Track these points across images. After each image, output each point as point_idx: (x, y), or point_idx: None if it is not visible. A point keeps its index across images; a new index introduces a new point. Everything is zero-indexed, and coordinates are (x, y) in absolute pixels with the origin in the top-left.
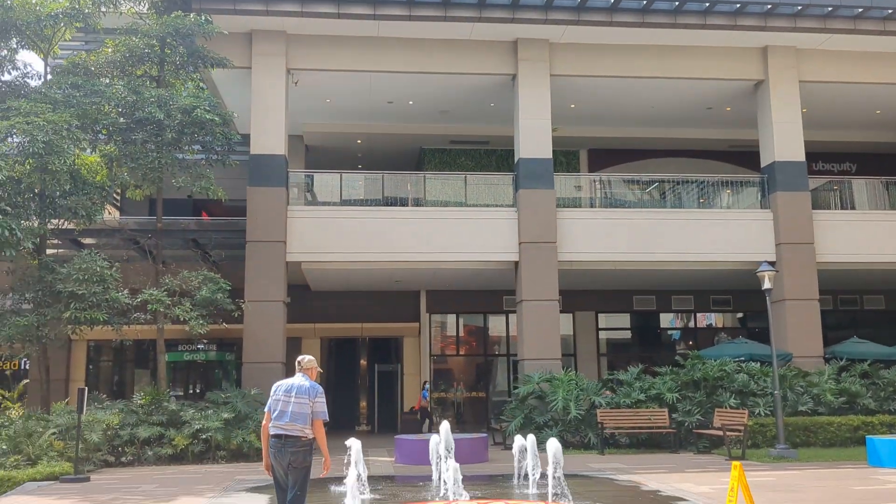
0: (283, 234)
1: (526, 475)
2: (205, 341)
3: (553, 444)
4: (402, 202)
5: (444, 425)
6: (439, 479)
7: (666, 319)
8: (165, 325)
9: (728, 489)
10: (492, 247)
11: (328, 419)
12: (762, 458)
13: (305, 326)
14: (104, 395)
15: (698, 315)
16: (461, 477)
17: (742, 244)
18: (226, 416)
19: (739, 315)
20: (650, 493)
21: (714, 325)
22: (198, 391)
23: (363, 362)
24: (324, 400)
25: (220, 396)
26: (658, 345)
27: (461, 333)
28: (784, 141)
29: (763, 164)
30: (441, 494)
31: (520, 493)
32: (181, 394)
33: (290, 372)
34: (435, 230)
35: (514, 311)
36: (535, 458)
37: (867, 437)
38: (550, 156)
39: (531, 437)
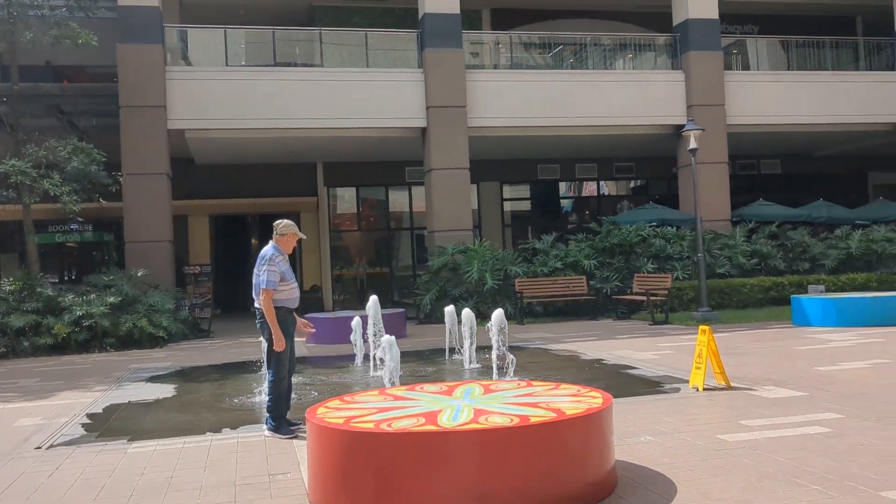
0: (162, 99)
1: (455, 348)
2: (79, 221)
3: (498, 313)
4: (295, 65)
5: (373, 298)
6: (364, 358)
7: (571, 188)
8: (33, 202)
9: (695, 355)
10: (396, 112)
11: (270, 287)
12: (685, 322)
13: (191, 203)
14: None
15: (602, 183)
16: (399, 353)
17: (654, 107)
18: (111, 300)
19: (642, 182)
20: (594, 363)
21: (616, 192)
22: (74, 277)
23: (254, 241)
24: (267, 268)
25: (102, 280)
26: (562, 214)
27: (362, 207)
28: None
29: (675, 22)
30: (375, 375)
31: (467, 368)
32: (56, 280)
33: (178, 252)
34: (333, 94)
35: (417, 183)
36: (473, 328)
37: (793, 296)
38: (458, 10)
39: (467, 310)
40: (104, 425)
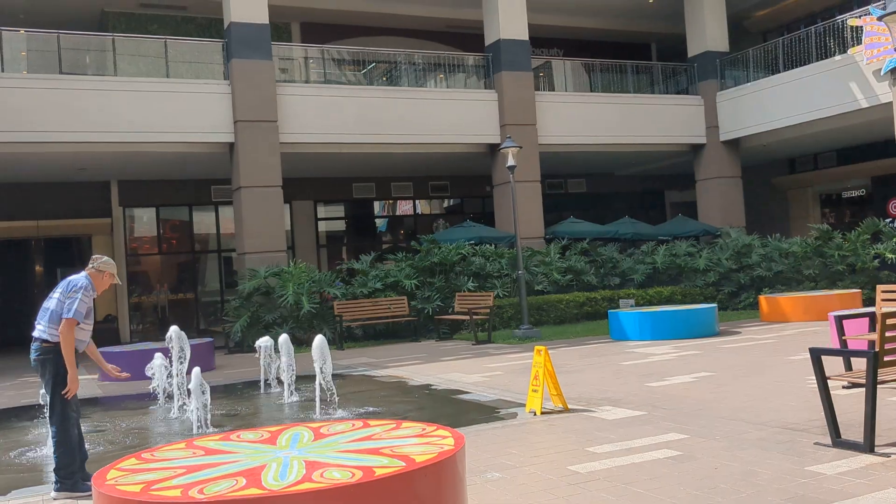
0: None
1: (270, 381)
2: None
3: (319, 339)
4: (86, 73)
5: (174, 329)
6: (165, 395)
7: (385, 208)
8: None
9: (531, 377)
10: (201, 126)
11: (76, 317)
12: (508, 340)
13: None
14: None
15: (418, 202)
16: (204, 385)
17: (468, 125)
18: None
19: (457, 201)
20: (423, 389)
21: (431, 211)
22: None
23: (38, 268)
24: (80, 296)
25: None
26: (378, 234)
27: (163, 229)
28: (509, 18)
29: (487, 42)
30: (178, 417)
31: (287, 402)
32: None
33: None
34: (130, 106)
35: (225, 203)
36: (291, 358)
37: (610, 311)
38: (267, 20)
39: (284, 336)
40: None
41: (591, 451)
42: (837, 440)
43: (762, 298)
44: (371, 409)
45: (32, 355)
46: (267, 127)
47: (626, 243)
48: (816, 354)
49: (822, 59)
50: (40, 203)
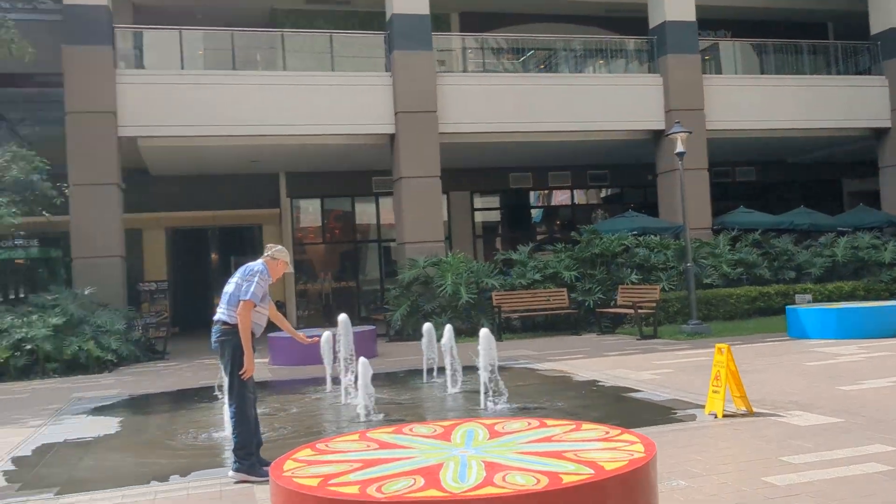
0: (112, 104)
1: (433, 370)
2: (22, 235)
3: (485, 333)
4: (256, 69)
5: (343, 317)
6: (333, 382)
7: (541, 198)
8: None
9: (712, 377)
10: (364, 118)
11: (253, 299)
12: (675, 336)
13: (147, 216)
14: None
15: (575, 192)
16: (371, 373)
17: (631, 111)
18: (55, 321)
19: (616, 190)
20: (590, 385)
21: (588, 202)
22: (20, 296)
23: (214, 255)
24: (257, 280)
25: (45, 299)
26: (533, 225)
27: (327, 219)
28: (676, 0)
29: (652, 24)
30: (347, 403)
31: (450, 394)
32: None
33: (132, 268)
34: (297, 100)
35: (385, 194)
36: (453, 348)
37: (788, 307)
38: (428, 11)
39: (448, 327)
40: (30, 473)
41: (785, 460)
42: None
43: None
44: (537, 405)
45: (213, 337)
46: (427, 117)
47: (801, 235)
48: None
49: None
50: (216, 194)
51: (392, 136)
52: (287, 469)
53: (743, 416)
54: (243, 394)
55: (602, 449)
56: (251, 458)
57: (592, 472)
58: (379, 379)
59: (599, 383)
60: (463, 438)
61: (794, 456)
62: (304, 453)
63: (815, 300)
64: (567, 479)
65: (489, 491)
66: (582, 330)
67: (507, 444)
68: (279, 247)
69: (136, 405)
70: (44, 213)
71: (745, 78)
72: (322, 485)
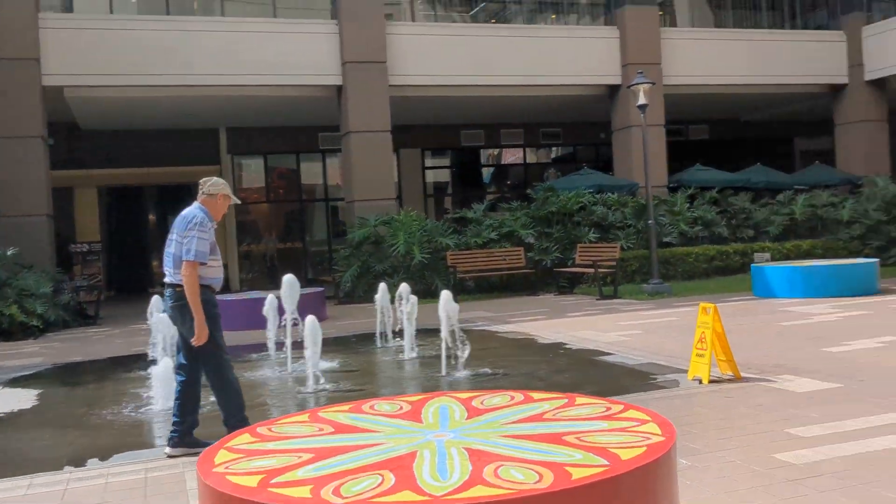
0: (34, 50)
1: (388, 333)
2: None
3: (446, 294)
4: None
5: (288, 278)
6: (277, 347)
7: (492, 157)
8: None
9: (696, 340)
10: (308, 68)
11: (199, 259)
12: (637, 295)
13: (76, 173)
14: None
15: (528, 150)
16: (321, 336)
17: (587, 65)
18: None
19: (569, 149)
20: (556, 348)
21: (538, 160)
22: None
23: (151, 216)
24: (197, 234)
25: None
26: (484, 184)
27: (270, 178)
28: None
29: None
30: (295, 371)
31: (407, 359)
32: None
33: (62, 228)
34: (236, 48)
35: (332, 150)
36: (414, 309)
37: (753, 265)
38: None
39: (405, 286)
40: None
41: (793, 433)
42: None
43: None
44: (503, 371)
45: (168, 303)
46: (376, 68)
47: (758, 193)
48: None
49: None
50: (151, 150)
51: (339, 88)
52: (219, 463)
53: (730, 381)
54: (219, 359)
55: (608, 430)
56: (246, 422)
57: (607, 463)
58: (329, 344)
59: (566, 346)
60: (436, 417)
61: (801, 428)
62: (242, 440)
63: (774, 259)
64: (578, 474)
65: (480, 492)
66: (539, 290)
67: (490, 425)
68: (213, 178)
69: (59, 375)
70: None
71: (703, 31)
72: (263, 485)
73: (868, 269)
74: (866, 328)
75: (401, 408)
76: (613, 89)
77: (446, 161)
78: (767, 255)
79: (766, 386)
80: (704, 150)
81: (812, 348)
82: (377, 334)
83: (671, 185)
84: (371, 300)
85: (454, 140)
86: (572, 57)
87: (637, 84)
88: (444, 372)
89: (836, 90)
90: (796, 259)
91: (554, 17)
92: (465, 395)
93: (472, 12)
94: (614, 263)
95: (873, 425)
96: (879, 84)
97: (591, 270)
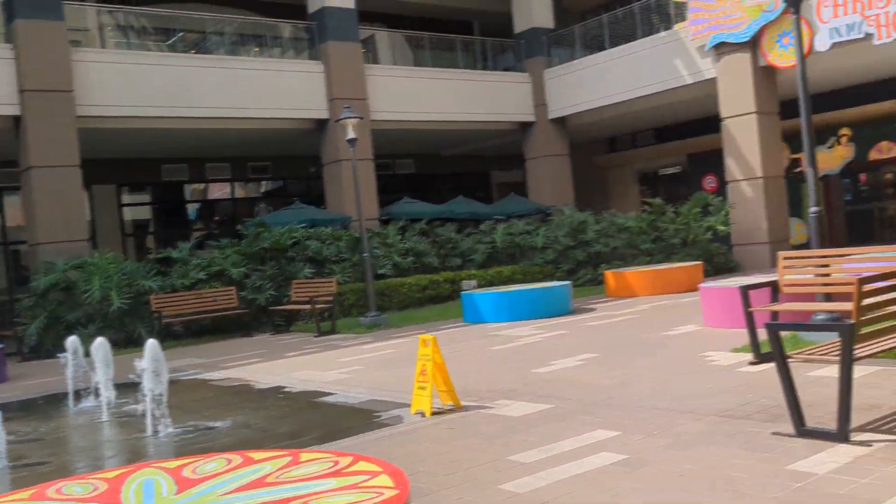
0: None
1: (82, 392)
2: None
3: (151, 342)
4: None
5: None
6: None
7: (198, 192)
8: None
9: (417, 372)
10: None
11: None
12: (355, 329)
13: None
14: None
15: (236, 185)
16: None
17: (293, 99)
18: None
19: (279, 183)
20: (276, 393)
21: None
22: None
23: None
24: None
25: None
26: (190, 221)
27: None
28: None
29: (311, 9)
30: None
31: (106, 421)
32: None
33: None
34: None
35: (10, 188)
36: (109, 363)
37: (463, 293)
38: None
39: (100, 340)
40: None
41: (515, 460)
42: (802, 429)
43: (609, 274)
44: (219, 423)
45: None
46: (60, 97)
47: (463, 223)
48: (774, 330)
49: (647, 35)
50: None
51: (17, 119)
52: None
53: (451, 411)
54: None
55: (338, 489)
56: None
57: None
58: (11, 410)
59: (286, 389)
60: (139, 497)
61: (521, 454)
62: None
63: (480, 285)
64: None
65: None
66: (254, 331)
67: (205, 499)
68: None
69: None
70: None
71: (404, 69)
72: None
73: (563, 291)
74: (565, 347)
75: (95, 488)
76: (322, 123)
77: (146, 197)
78: (474, 282)
79: (485, 413)
80: (411, 184)
81: (521, 371)
82: (69, 394)
83: (382, 218)
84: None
85: (155, 174)
86: (279, 90)
87: (344, 118)
88: (149, 432)
89: (525, 127)
90: (500, 284)
91: (257, 49)
92: (173, 464)
93: (169, 41)
94: (331, 298)
95: (585, 444)
96: (561, 122)
97: (308, 307)
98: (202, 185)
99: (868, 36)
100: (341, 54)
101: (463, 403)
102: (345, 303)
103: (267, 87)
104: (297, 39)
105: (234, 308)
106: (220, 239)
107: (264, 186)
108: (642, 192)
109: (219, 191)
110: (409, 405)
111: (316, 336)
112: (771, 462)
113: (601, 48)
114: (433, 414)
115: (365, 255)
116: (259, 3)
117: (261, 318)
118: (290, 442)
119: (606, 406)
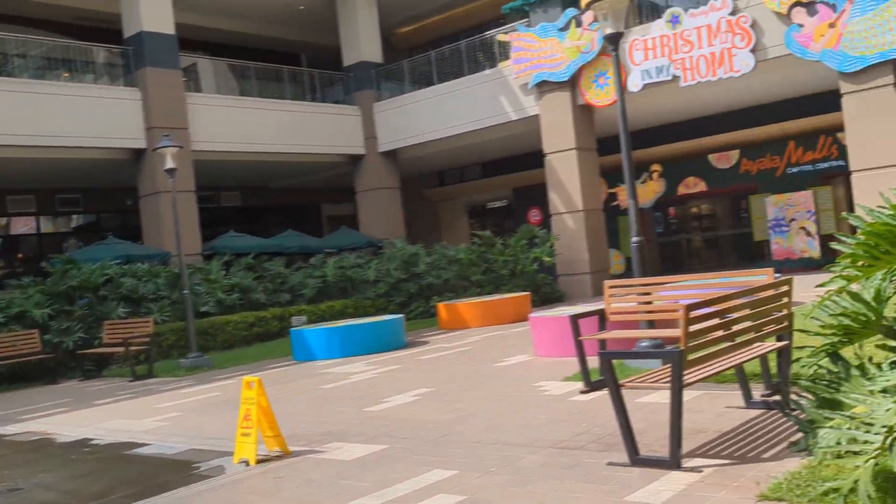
0: None
1: None
2: None
3: None
4: None
5: None
6: None
7: (1, 226)
8: None
9: (240, 418)
10: None
11: None
12: (174, 372)
13: None
14: None
15: (42, 219)
16: None
17: (107, 127)
18: None
19: (91, 217)
20: (81, 447)
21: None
22: None
23: None
24: None
25: None
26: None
27: None
28: (152, 8)
29: (127, 33)
30: None
31: None
32: None
33: None
34: None
35: None
36: None
37: (292, 329)
38: None
39: None
40: None
41: None
42: (636, 458)
43: (441, 306)
44: (9, 486)
45: None
46: None
47: (293, 257)
48: (607, 359)
49: (473, 72)
50: None
51: None
52: None
53: (279, 458)
54: None
55: None
56: None
57: None
58: None
59: (93, 442)
60: None
61: (355, 501)
62: None
63: (311, 320)
64: None
65: None
66: (61, 377)
67: None
68: None
69: None
70: None
71: (230, 98)
72: None
73: (395, 324)
74: (399, 382)
75: None
76: (139, 153)
77: None
78: (304, 318)
79: (315, 458)
80: (237, 217)
81: (355, 410)
82: None
83: (206, 253)
84: None
85: None
86: (91, 117)
87: (163, 147)
88: None
89: (356, 160)
90: (331, 319)
91: (67, 74)
92: None
93: None
94: (148, 339)
95: (422, 486)
96: (391, 155)
97: (122, 349)
98: (3, 220)
99: (675, 78)
100: (160, 81)
101: (292, 449)
102: (164, 344)
103: (78, 114)
104: (112, 65)
105: (37, 353)
106: (23, 277)
107: (75, 221)
108: (471, 225)
109: (23, 225)
110: (232, 454)
111: (131, 381)
112: (610, 494)
113: (430, 83)
114: (258, 462)
115: (185, 292)
116: (70, 26)
117: (69, 364)
118: (98, 503)
119: (443, 443)
